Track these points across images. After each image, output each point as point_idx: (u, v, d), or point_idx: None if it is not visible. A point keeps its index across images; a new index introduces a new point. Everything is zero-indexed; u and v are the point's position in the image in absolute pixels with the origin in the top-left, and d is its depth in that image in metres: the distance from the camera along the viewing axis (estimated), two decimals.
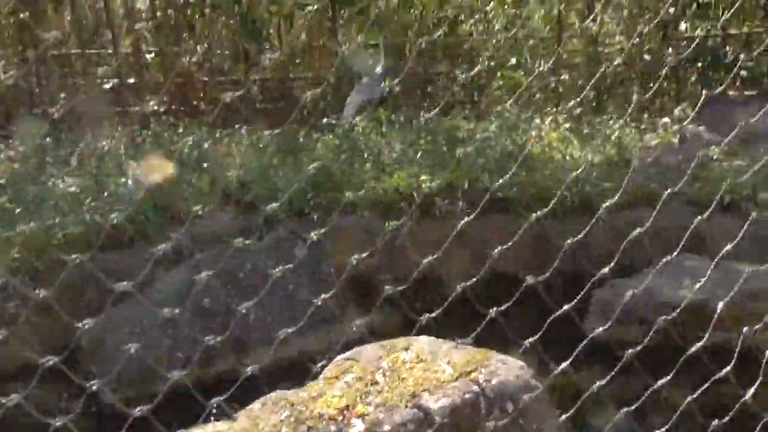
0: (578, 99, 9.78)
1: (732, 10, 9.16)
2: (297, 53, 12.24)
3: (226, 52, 11.16)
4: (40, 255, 5.74)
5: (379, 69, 9.97)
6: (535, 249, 6.10)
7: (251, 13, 11.32)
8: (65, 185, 6.90)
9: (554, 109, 9.87)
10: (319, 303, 2.27)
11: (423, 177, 6.86)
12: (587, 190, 6.51)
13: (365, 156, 8.22)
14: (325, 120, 9.51)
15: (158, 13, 11.08)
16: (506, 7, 10.42)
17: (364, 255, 2.42)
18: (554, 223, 5.73)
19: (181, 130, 9.36)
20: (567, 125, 8.85)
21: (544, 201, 6.43)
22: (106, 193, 6.57)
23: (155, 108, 11.15)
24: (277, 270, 2.23)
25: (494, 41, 11.09)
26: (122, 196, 6.57)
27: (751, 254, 5.53)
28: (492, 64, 11.43)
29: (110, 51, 11.41)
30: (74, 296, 5.69)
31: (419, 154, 7.67)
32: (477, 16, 10.92)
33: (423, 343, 2.86)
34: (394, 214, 6.75)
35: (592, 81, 9.46)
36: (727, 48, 9.19)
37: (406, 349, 2.84)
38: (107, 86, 10.84)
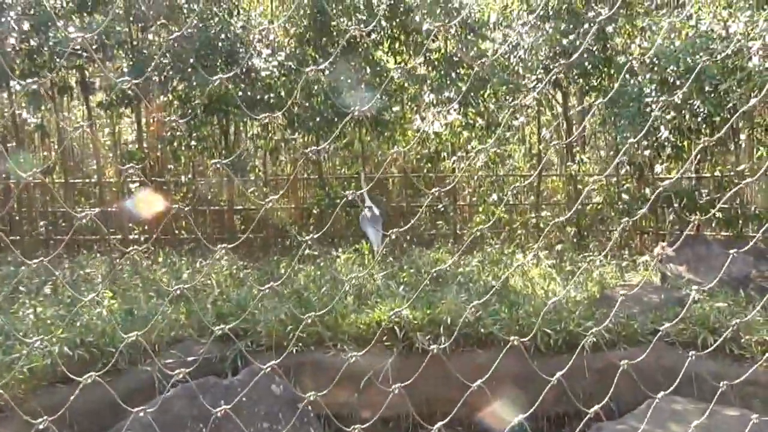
0: (559, 236, 10.10)
1: (700, 155, 9.69)
2: (281, 184, 12.57)
3: (212, 182, 11.45)
4: (2, 390, 5.59)
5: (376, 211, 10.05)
6: (519, 388, 6.06)
7: (237, 146, 11.75)
8: (37, 314, 6.85)
9: (536, 245, 10.11)
10: None
11: (405, 311, 6.95)
12: (570, 329, 6.55)
13: (346, 287, 8.34)
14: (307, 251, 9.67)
15: (144, 145, 11.47)
16: (487, 145, 10.93)
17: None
18: (538, 361, 5.73)
19: (160, 259, 9.45)
20: (549, 261, 9.06)
21: (526, 337, 6.55)
22: (78, 323, 6.52)
23: (135, 236, 11.29)
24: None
25: (476, 177, 11.55)
26: (94, 326, 6.52)
27: (737, 400, 5.53)
28: (474, 199, 11.84)
29: (94, 180, 11.69)
30: None
31: (401, 287, 7.87)
32: (459, 154, 11.41)
33: None
34: (375, 349, 6.75)
35: (570, 215, 9.78)
36: (702, 190, 9.64)
37: None
38: (86, 214, 11.00)
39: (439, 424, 2.40)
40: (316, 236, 2.58)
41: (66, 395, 5.29)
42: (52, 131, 11.62)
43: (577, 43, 9.79)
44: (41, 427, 1.95)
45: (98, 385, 5.98)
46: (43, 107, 9.95)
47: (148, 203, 10.84)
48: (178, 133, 10.95)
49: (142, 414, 5.40)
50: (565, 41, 9.95)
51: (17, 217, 11.39)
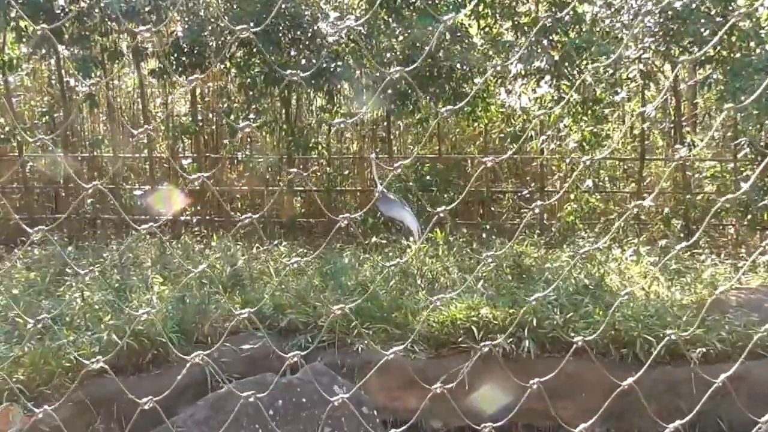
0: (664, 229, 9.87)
1: None
2: (346, 164, 12.71)
3: (269, 160, 11.70)
4: (49, 378, 5.89)
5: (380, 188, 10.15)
6: (612, 402, 5.99)
7: (299, 120, 11.94)
8: (84, 299, 7.17)
9: (636, 240, 9.93)
10: None
11: (484, 310, 6.99)
12: (675, 337, 6.42)
13: (418, 282, 8.40)
14: (375, 239, 9.78)
15: (199, 117, 11.78)
16: (583, 123, 10.75)
17: None
18: (636, 373, 5.65)
19: (213, 243, 9.73)
20: (651, 259, 8.88)
21: (624, 345, 6.47)
22: (127, 310, 6.80)
23: (188, 217, 11.64)
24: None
25: (567, 160, 11.40)
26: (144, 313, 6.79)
27: None
28: (565, 185, 11.68)
29: (145, 154, 12.09)
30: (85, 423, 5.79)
31: (480, 283, 7.90)
32: (549, 133, 11.27)
33: None
34: (449, 351, 6.78)
35: (676, 206, 9.52)
36: None
37: None
38: (138, 192, 11.40)
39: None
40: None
41: (114, 386, 5.53)
42: (101, 100, 12.06)
43: (693, 6, 9.49)
44: (146, 407, 2.09)
45: (148, 377, 6.27)
46: (92, 74, 10.32)
47: (199, 182, 11.12)
48: (235, 105, 11.20)
49: (192, 413, 5.61)
50: (677, 4, 9.65)
51: (63, 194, 11.90)
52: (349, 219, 2.29)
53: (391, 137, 12.21)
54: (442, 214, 2.29)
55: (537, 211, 2.19)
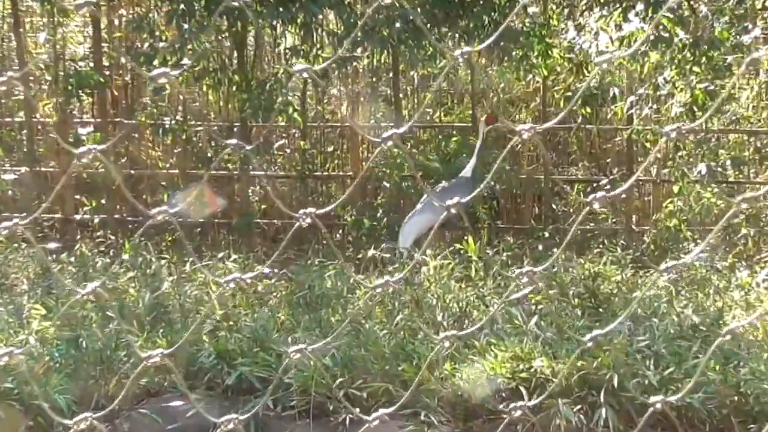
0: None
1: None
2: (330, 137, 12.67)
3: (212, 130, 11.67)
4: None
5: (467, 169, 10.28)
6: None
7: (258, 69, 11.90)
8: None
9: None
10: None
11: (539, 361, 6.92)
12: None
13: (437, 317, 8.37)
14: (372, 252, 9.73)
15: (105, 63, 11.72)
16: (693, 77, 10.68)
17: None
18: None
19: (125, 256, 9.65)
20: None
21: (754, 418, 6.42)
22: None
23: (87, 216, 11.61)
24: None
25: (669, 133, 11.32)
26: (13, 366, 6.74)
27: None
28: (665, 171, 11.64)
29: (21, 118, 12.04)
30: None
31: (533, 321, 7.74)
32: (640, 91, 11.23)
33: None
34: (485, 423, 6.73)
35: None
36: None
37: None
38: (9, 176, 11.39)
39: None
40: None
41: None
42: None
43: None
44: None
45: None
46: None
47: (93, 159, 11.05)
48: (161, 45, 11.14)
49: None
50: None
51: None
52: (312, 216, 2.25)
53: (400, 95, 12.17)
54: (453, 210, 2.25)
55: (597, 206, 2.12)
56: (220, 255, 9.87)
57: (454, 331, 7.60)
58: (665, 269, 2.77)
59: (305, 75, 2.54)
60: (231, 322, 7.97)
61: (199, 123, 11.95)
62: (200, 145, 11.88)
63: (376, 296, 8.40)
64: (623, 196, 11.19)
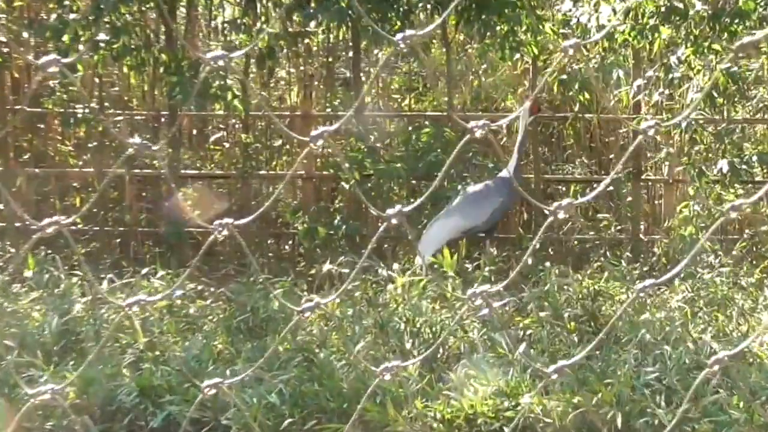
0: None
1: None
2: (276, 129, 12.65)
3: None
4: None
5: (507, 168, 10.32)
6: None
7: (192, 47, 11.86)
8: None
9: None
10: None
11: (527, 397, 6.82)
12: None
13: (406, 345, 8.32)
14: (328, 266, 9.71)
15: (2, 38, 11.65)
16: (712, 56, 10.71)
17: None
18: None
19: (29, 272, 9.58)
20: None
21: None
22: None
23: None
24: None
25: (683, 124, 11.37)
26: None
27: None
28: (679, 170, 11.68)
29: None
30: None
31: (521, 349, 7.61)
32: (650, 74, 11.27)
33: None
34: None
35: None
36: None
37: None
38: None
39: None
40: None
41: None
42: None
43: None
44: None
45: None
46: None
47: None
48: (71, 17, 11.06)
49: None
50: None
51: None
52: (229, 228, 2.21)
53: (361, 78, 12.17)
54: (394, 220, 2.19)
55: (561, 215, 2.03)
56: (145, 271, 9.82)
57: (425, 360, 7.61)
58: (641, 288, 2.75)
59: (212, 62, 2.44)
60: (157, 352, 7.91)
61: (118, 112, 11.87)
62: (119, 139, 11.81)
63: (333, 321, 8.40)
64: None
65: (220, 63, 2.33)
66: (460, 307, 8.81)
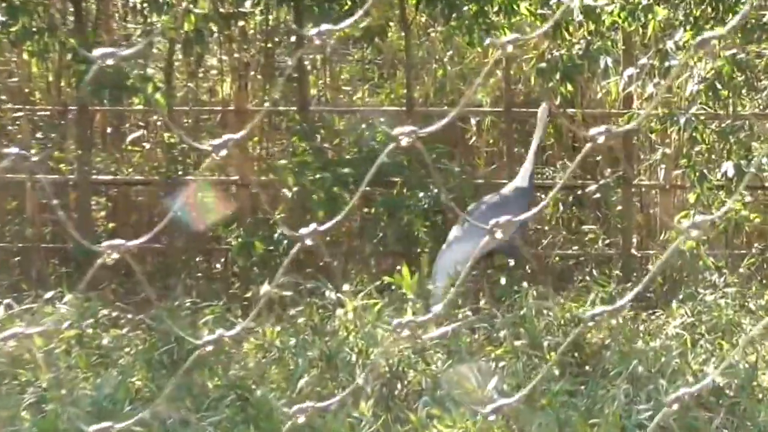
0: None
1: None
2: (204, 127, 12.68)
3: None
4: None
5: (522, 176, 10.38)
6: None
7: (104, 30, 11.85)
8: None
9: None
10: None
11: None
12: None
13: (359, 381, 8.24)
14: (266, 287, 9.69)
15: None
16: (715, 41, 10.74)
17: None
18: None
19: None
20: None
21: None
22: None
23: None
24: None
25: (682, 120, 11.43)
26: None
27: None
28: (676, 174, 11.73)
29: None
30: None
31: (492, 384, 7.75)
32: (643, 61, 11.33)
33: None
34: None
35: None
36: None
37: None
38: None
39: None
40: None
41: None
42: None
43: None
44: None
45: None
46: None
47: None
48: None
49: None
50: None
51: None
52: (123, 250, 2.13)
53: (306, 67, 12.19)
54: (309, 241, 2.17)
55: (499, 235, 1.99)
56: (49, 294, 9.77)
57: (377, 396, 7.61)
58: (591, 316, 2.72)
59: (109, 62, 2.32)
60: (64, 391, 7.88)
61: (17, 107, 11.85)
62: (19, 137, 11.78)
63: (272, 352, 8.39)
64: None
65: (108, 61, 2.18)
66: (424, 333, 8.82)
